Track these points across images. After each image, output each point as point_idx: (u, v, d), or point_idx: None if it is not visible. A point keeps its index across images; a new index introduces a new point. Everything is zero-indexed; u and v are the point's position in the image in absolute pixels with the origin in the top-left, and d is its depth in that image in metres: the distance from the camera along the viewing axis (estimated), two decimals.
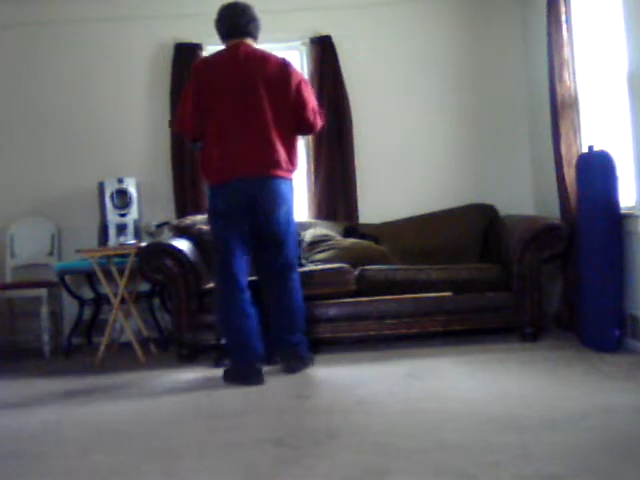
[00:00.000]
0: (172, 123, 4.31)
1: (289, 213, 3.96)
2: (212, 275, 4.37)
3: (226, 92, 3.84)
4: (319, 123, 4.05)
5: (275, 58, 3.96)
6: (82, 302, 5.34)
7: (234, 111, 3.83)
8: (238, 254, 3.88)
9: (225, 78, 3.86)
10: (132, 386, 4.03)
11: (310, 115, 3.95)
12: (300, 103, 3.91)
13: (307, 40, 5.65)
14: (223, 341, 4.17)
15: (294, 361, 3.96)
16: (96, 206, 5.41)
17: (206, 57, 4.05)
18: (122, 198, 5.33)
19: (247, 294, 3.90)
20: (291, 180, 3.97)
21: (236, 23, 3.93)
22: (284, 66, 3.93)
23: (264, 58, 3.92)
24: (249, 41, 3.96)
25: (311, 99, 3.99)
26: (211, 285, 4.44)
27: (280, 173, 3.86)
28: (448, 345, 4.54)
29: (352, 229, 5.30)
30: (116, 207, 5.32)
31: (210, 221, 4.04)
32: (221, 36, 4.01)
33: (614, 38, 4.28)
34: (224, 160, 3.82)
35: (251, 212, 3.86)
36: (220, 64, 3.92)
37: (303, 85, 3.97)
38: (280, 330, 3.97)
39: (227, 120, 3.83)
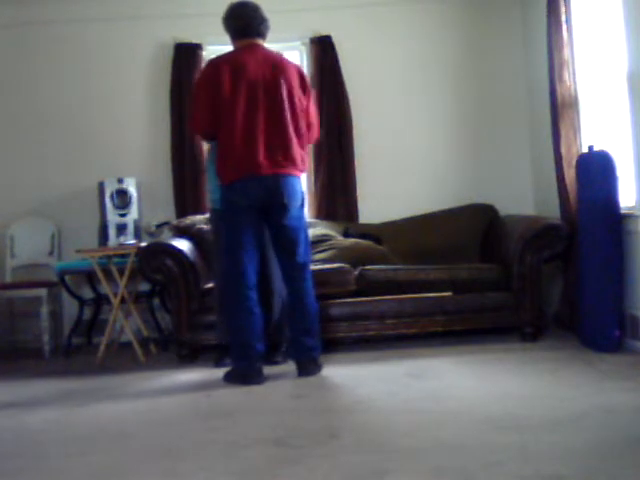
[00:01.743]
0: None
1: (301, 209, 4.00)
2: (213, 274, 4.37)
3: (246, 90, 3.85)
4: (314, 136, 4.15)
5: (292, 64, 4.05)
6: (82, 302, 5.33)
7: (253, 109, 3.85)
8: (249, 252, 3.90)
9: (244, 77, 3.86)
10: (132, 386, 4.03)
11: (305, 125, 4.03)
12: (307, 112, 4.04)
13: (307, 40, 5.66)
14: (224, 342, 4.19)
15: (310, 365, 3.94)
16: (96, 206, 5.42)
17: (221, 56, 4.05)
18: (122, 198, 5.33)
19: (255, 293, 3.91)
20: (300, 178, 4.03)
21: (250, 24, 3.95)
22: (301, 74, 4.03)
23: (283, 62, 3.99)
24: (260, 41, 3.99)
25: (315, 112, 4.11)
26: (211, 285, 4.45)
27: (294, 171, 3.92)
28: (448, 345, 4.54)
29: (352, 230, 5.29)
30: (116, 207, 5.32)
31: (221, 218, 4.02)
32: (231, 34, 4.02)
33: (614, 38, 4.28)
34: (244, 157, 3.84)
35: (266, 209, 3.88)
36: (239, 63, 3.91)
37: (312, 97, 4.10)
38: (297, 332, 3.96)
39: (245, 118, 3.85)
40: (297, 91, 3.94)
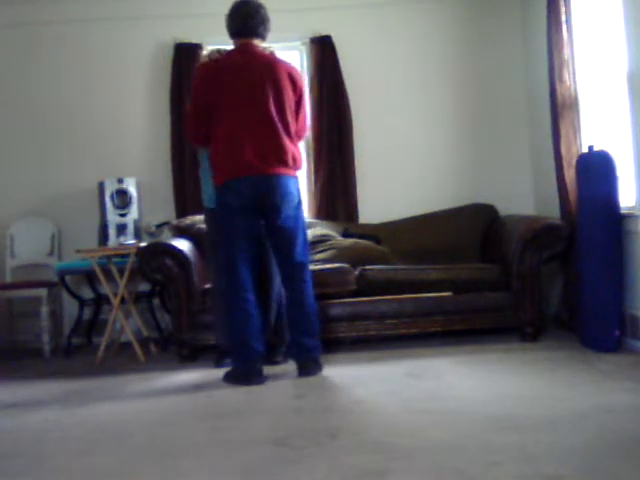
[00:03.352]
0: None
1: (298, 209, 3.99)
2: (210, 275, 4.37)
3: (235, 93, 3.87)
4: (302, 135, 4.13)
5: (283, 63, 4.02)
6: (82, 302, 5.34)
7: (243, 111, 3.86)
8: (245, 254, 3.90)
9: (235, 79, 3.88)
10: (132, 386, 4.03)
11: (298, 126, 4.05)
12: (299, 113, 4.03)
13: (307, 40, 5.66)
14: (222, 342, 4.20)
15: (311, 365, 3.93)
16: (96, 206, 5.42)
17: (214, 59, 4.06)
18: (122, 198, 5.33)
19: (252, 294, 3.90)
20: (297, 178, 4.02)
21: (248, 24, 3.95)
22: (291, 73, 4.00)
23: (272, 61, 3.97)
24: (258, 42, 3.99)
25: (304, 112, 4.09)
26: (209, 285, 4.45)
27: (288, 171, 3.91)
28: (448, 345, 4.55)
29: (351, 230, 5.29)
30: (116, 207, 5.32)
31: (216, 219, 4.02)
32: (230, 33, 4.03)
33: (614, 38, 4.28)
34: (235, 158, 3.85)
35: (260, 210, 3.89)
36: (229, 66, 3.93)
37: (304, 97, 4.08)
38: (297, 333, 3.95)
39: (237, 120, 3.86)
40: (287, 91, 3.92)
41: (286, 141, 3.90)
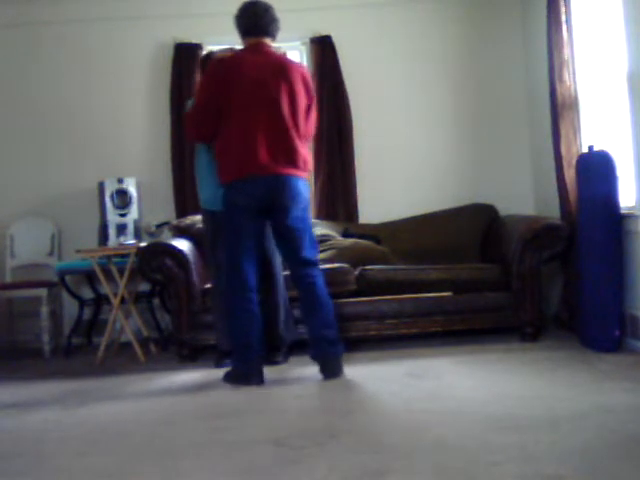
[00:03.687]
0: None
1: (305, 210, 3.98)
2: (211, 274, 4.37)
3: (246, 92, 3.86)
4: (309, 138, 4.15)
5: (297, 65, 4.04)
6: (82, 302, 5.34)
7: (255, 111, 3.86)
8: (249, 253, 3.89)
9: (246, 78, 3.87)
10: (132, 386, 4.03)
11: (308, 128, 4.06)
12: (309, 115, 4.04)
13: (307, 40, 5.66)
14: (222, 344, 4.20)
15: (332, 364, 3.85)
16: (96, 206, 5.42)
17: (224, 56, 4.06)
18: (122, 198, 5.34)
19: (255, 294, 3.90)
20: (306, 180, 4.01)
21: (258, 23, 3.96)
22: (304, 76, 4.01)
23: (286, 62, 3.99)
24: (268, 41, 4.00)
25: (313, 116, 4.08)
26: (209, 285, 4.45)
27: (298, 172, 3.90)
28: (448, 345, 4.55)
29: (351, 230, 5.29)
30: (116, 207, 5.32)
31: (221, 219, 4.01)
32: (241, 32, 4.04)
33: (614, 38, 4.28)
34: (245, 157, 3.84)
35: (267, 210, 3.88)
36: (241, 64, 3.92)
37: (314, 100, 4.08)
38: (315, 328, 3.89)
39: (247, 119, 3.85)
40: (299, 92, 3.93)
41: (297, 143, 3.89)
